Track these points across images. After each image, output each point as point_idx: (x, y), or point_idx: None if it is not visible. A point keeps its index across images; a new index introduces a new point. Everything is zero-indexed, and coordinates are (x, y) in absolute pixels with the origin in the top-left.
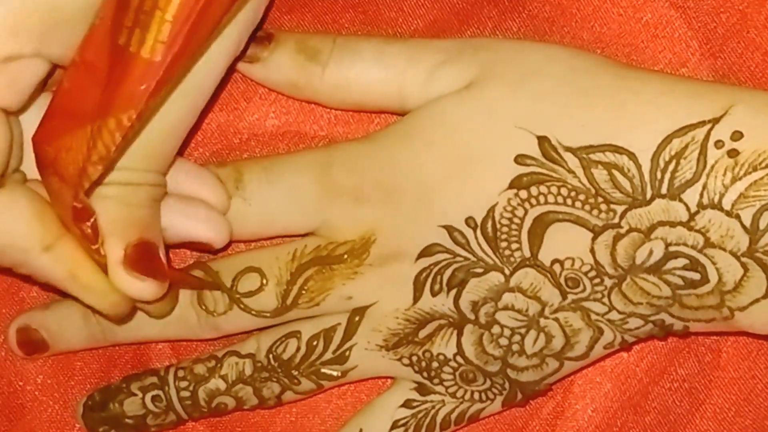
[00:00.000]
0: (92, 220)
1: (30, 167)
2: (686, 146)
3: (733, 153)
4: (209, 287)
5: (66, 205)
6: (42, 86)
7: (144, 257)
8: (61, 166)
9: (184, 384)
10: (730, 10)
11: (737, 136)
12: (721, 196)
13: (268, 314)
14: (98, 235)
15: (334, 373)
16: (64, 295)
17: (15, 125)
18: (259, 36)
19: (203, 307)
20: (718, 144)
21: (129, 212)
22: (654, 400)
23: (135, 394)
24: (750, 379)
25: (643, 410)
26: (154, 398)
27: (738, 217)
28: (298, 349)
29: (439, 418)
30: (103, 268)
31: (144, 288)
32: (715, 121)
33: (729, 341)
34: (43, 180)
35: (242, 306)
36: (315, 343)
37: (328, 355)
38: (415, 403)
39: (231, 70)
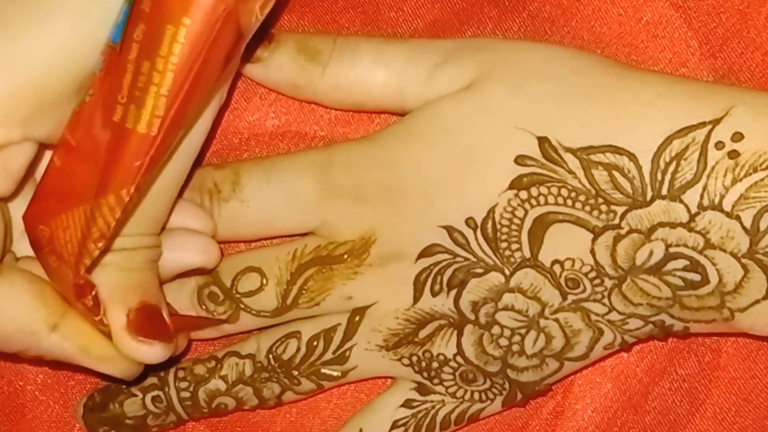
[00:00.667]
0: (93, 293)
1: (20, 245)
2: (687, 147)
3: (733, 154)
4: (214, 323)
5: (66, 282)
6: (33, 168)
7: (148, 320)
8: (58, 245)
9: (184, 384)
10: (730, 10)
11: (738, 137)
12: (722, 197)
13: (268, 314)
14: (99, 306)
15: (335, 374)
16: (73, 368)
17: (5, 208)
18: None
19: (203, 308)
20: (719, 145)
21: (128, 277)
22: (654, 400)
23: (135, 395)
24: (750, 379)
25: (643, 410)
26: (154, 399)
27: (738, 218)
28: (298, 349)
29: (439, 418)
30: (109, 336)
31: (152, 351)
32: (716, 122)
33: (729, 341)
34: (39, 258)
35: (242, 306)
36: (315, 343)
37: (328, 356)
38: (415, 403)
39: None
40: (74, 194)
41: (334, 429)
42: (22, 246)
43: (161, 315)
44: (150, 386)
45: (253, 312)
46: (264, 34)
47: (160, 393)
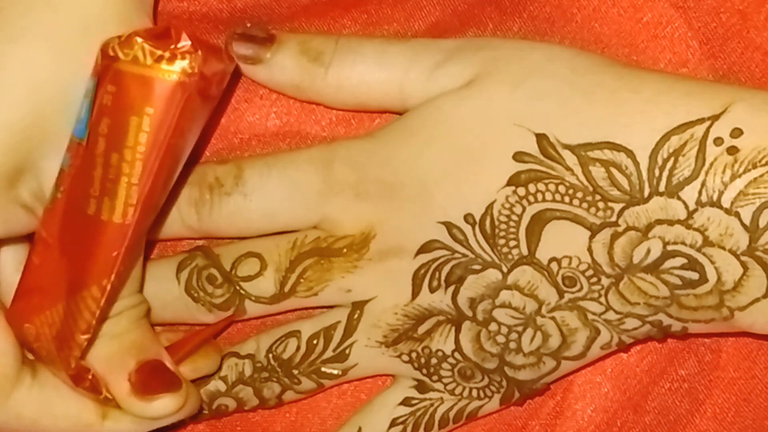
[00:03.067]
0: (90, 376)
1: None
2: (685, 143)
3: (732, 150)
4: (224, 326)
5: (63, 373)
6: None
7: (150, 377)
8: (45, 341)
9: None
10: (730, 10)
11: (737, 133)
12: (720, 193)
13: (266, 300)
14: (99, 384)
15: (335, 372)
16: None
17: None
18: (261, 37)
19: (201, 291)
20: (718, 141)
21: (119, 343)
22: (654, 400)
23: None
24: (750, 379)
25: (643, 410)
26: None
27: (737, 215)
28: (298, 348)
29: (437, 416)
30: (117, 407)
31: (164, 405)
32: (715, 118)
33: (729, 341)
34: (33, 353)
35: (241, 290)
36: (315, 341)
37: (329, 354)
38: (414, 401)
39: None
40: (55, 290)
41: (334, 428)
42: None
43: (163, 366)
44: None
45: (252, 297)
46: (265, 35)
47: None
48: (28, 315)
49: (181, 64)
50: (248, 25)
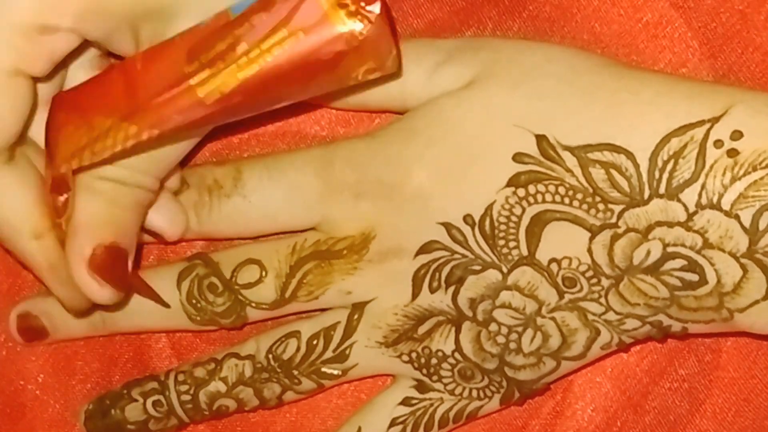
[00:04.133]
0: (66, 195)
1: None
2: (685, 146)
3: (732, 153)
4: (158, 301)
5: (48, 172)
6: (68, 60)
7: (110, 262)
8: (63, 136)
9: (184, 388)
10: (730, 10)
11: (737, 135)
12: (720, 196)
13: (266, 306)
14: (66, 209)
15: (335, 372)
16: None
17: (36, 89)
18: None
19: (203, 299)
20: (718, 144)
21: (111, 213)
22: (654, 400)
23: (136, 400)
24: (750, 379)
25: (643, 410)
26: (155, 403)
27: (737, 217)
28: (298, 348)
29: (437, 416)
30: (62, 243)
31: (100, 293)
32: (715, 120)
33: (729, 341)
34: (45, 143)
35: (241, 297)
36: (315, 342)
37: (329, 354)
38: (413, 401)
39: None
40: (110, 105)
41: (334, 428)
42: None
43: (125, 262)
44: (150, 391)
45: (253, 304)
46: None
47: (161, 397)
48: (73, 106)
49: (353, 25)
50: None
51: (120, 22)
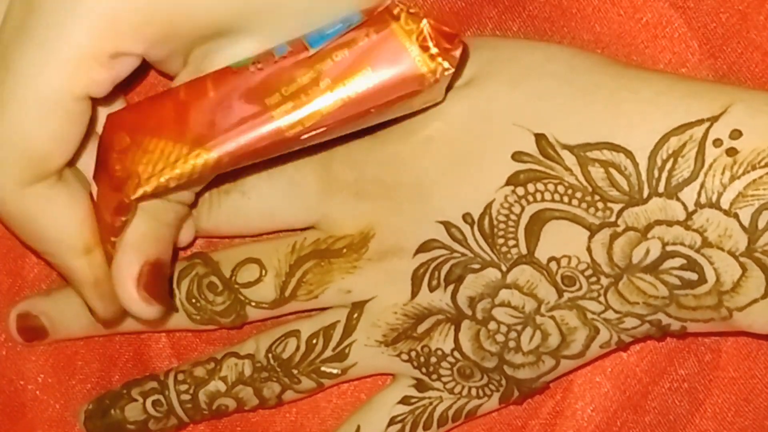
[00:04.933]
0: (129, 216)
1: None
2: (684, 144)
3: (731, 152)
4: (171, 308)
5: (112, 194)
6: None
7: (156, 279)
8: (131, 160)
9: (184, 387)
10: (730, 10)
11: (736, 134)
12: (719, 195)
13: (266, 305)
14: (124, 230)
15: (335, 371)
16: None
17: (94, 111)
18: None
19: (203, 298)
20: (717, 142)
21: (155, 228)
22: (654, 400)
23: (135, 400)
24: (750, 379)
25: (643, 410)
26: (154, 403)
27: (736, 216)
28: (298, 348)
29: (436, 415)
30: (108, 256)
31: (148, 310)
32: (714, 119)
33: (729, 341)
34: (100, 158)
35: (241, 296)
36: (315, 341)
37: (328, 353)
38: (412, 400)
39: None
40: (180, 131)
41: (334, 428)
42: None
43: (167, 277)
44: (150, 390)
45: (253, 303)
46: None
47: (160, 397)
48: (134, 127)
49: (437, 65)
50: None
51: (185, 45)
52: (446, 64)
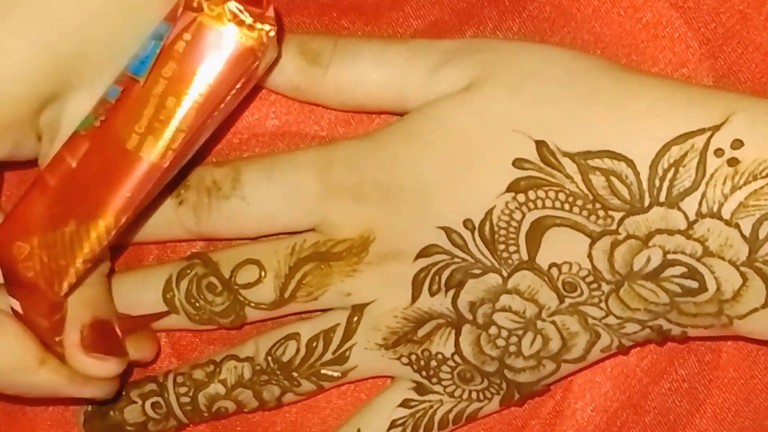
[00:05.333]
0: (63, 312)
1: None
2: (685, 154)
3: (733, 162)
4: (157, 317)
5: (38, 300)
6: None
7: (100, 336)
8: (37, 263)
9: (183, 390)
10: (730, 10)
11: (737, 144)
12: (721, 205)
13: (266, 306)
14: (63, 325)
15: (334, 374)
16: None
17: None
18: None
19: (202, 298)
20: (718, 152)
21: (79, 294)
22: (654, 400)
23: (134, 402)
24: (750, 379)
25: (643, 410)
26: (153, 405)
27: (737, 226)
28: (298, 350)
29: (437, 418)
30: (61, 357)
31: (105, 366)
32: (715, 129)
33: (729, 342)
34: (8, 275)
35: (241, 297)
36: (314, 344)
37: (328, 356)
38: (413, 403)
39: None
40: (67, 213)
41: (334, 428)
42: None
43: (114, 330)
44: (149, 392)
45: (252, 304)
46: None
47: (160, 399)
48: (24, 233)
49: (258, 32)
50: None
51: (24, 128)
52: (267, 27)
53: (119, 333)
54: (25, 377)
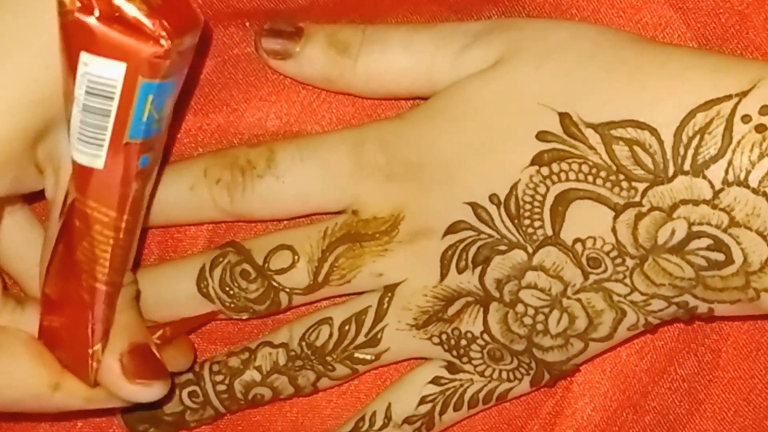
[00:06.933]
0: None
1: None
2: (711, 121)
3: (761, 128)
4: (206, 320)
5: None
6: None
7: (141, 361)
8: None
9: (219, 378)
10: (730, 11)
11: (766, 110)
12: (748, 172)
13: (300, 291)
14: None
15: (368, 357)
16: None
17: None
18: (290, 31)
19: (236, 285)
20: (745, 119)
21: (115, 324)
22: (654, 399)
23: (172, 391)
24: (750, 379)
25: (643, 410)
26: (190, 394)
27: (765, 194)
28: (331, 335)
29: (467, 396)
30: (91, 372)
31: (150, 392)
32: (743, 94)
33: (729, 341)
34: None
35: (275, 283)
36: (347, 327)
37: (361, 339)
38: (443, 381)
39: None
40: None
41: (335, 428)
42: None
43: (152, 353)
44: (186, 382)
45: (287, 290)
46: (292, 29)
47: (197, 388)
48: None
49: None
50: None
51: (22, 163)
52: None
53: (157, 354)
54: (41, 402)
